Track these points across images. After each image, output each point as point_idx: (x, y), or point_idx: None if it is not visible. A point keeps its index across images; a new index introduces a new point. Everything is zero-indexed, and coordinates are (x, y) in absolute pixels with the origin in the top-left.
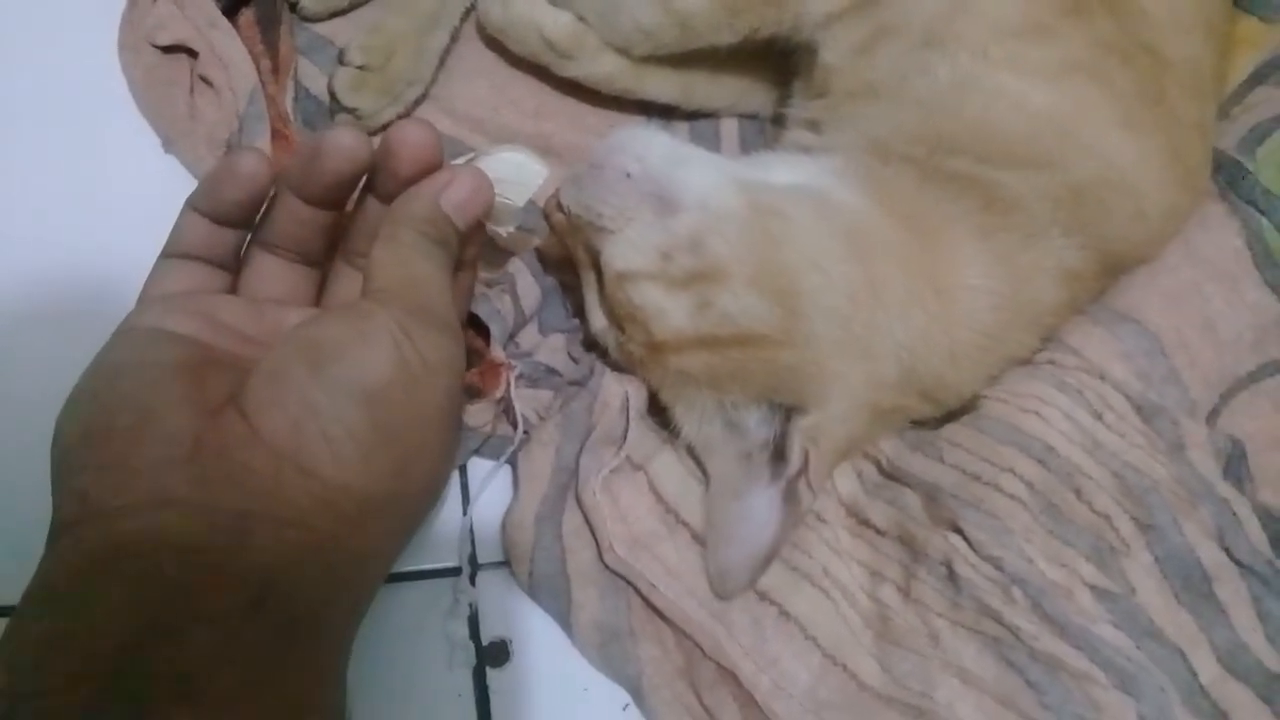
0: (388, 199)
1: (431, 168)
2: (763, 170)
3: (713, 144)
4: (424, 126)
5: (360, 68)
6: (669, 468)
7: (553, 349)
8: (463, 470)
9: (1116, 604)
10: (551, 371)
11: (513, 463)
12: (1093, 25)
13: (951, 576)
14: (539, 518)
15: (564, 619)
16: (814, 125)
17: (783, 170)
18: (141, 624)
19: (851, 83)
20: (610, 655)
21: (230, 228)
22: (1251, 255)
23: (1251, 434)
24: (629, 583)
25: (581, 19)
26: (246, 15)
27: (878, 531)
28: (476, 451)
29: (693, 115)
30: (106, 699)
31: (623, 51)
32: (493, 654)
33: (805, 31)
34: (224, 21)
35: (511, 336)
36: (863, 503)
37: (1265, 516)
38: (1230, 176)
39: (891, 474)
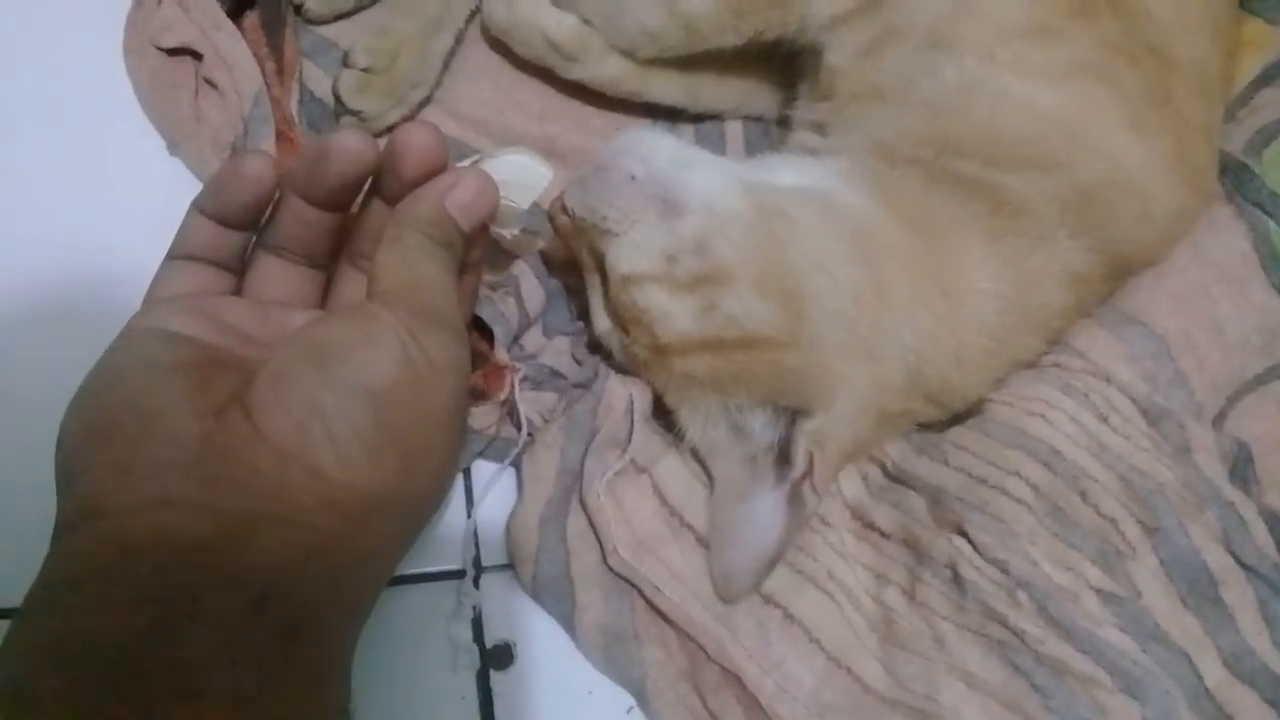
0: (393, 201)
1: (436, 170)
2: (768, 173)
3: (718, 146)
4: (429, 129)
5: (365, 70)
6: (673, 470)
7: (557, 351)
8: (467, 473)
9: (1122, 607)
10: (556, 374)
11: (517, 465)
12: (1099, 27)
13: (957, 580)
14: (543, 520)
15: (568, 622)
16: (819, 127)
17: (788, 173)
18: (143, 624)
19: (857, 85)
20: (614, 658)
21: (235, 230)
22: (1259, 257)
23: (1258, 437)
24: (633, 585)
25: (586, 21)
26: (251, 18)
27: (883, 534)
28: (481, 454)
29: (698, 117)
30: (108, 699)
31: (628, 54)
32: (496, 657)
33: (810, 34)
34: (229, 24)
35: (516, 339)
36: (868, 506)
37: (1272, 520)
38: (1237, 179)
39: (897, 477)
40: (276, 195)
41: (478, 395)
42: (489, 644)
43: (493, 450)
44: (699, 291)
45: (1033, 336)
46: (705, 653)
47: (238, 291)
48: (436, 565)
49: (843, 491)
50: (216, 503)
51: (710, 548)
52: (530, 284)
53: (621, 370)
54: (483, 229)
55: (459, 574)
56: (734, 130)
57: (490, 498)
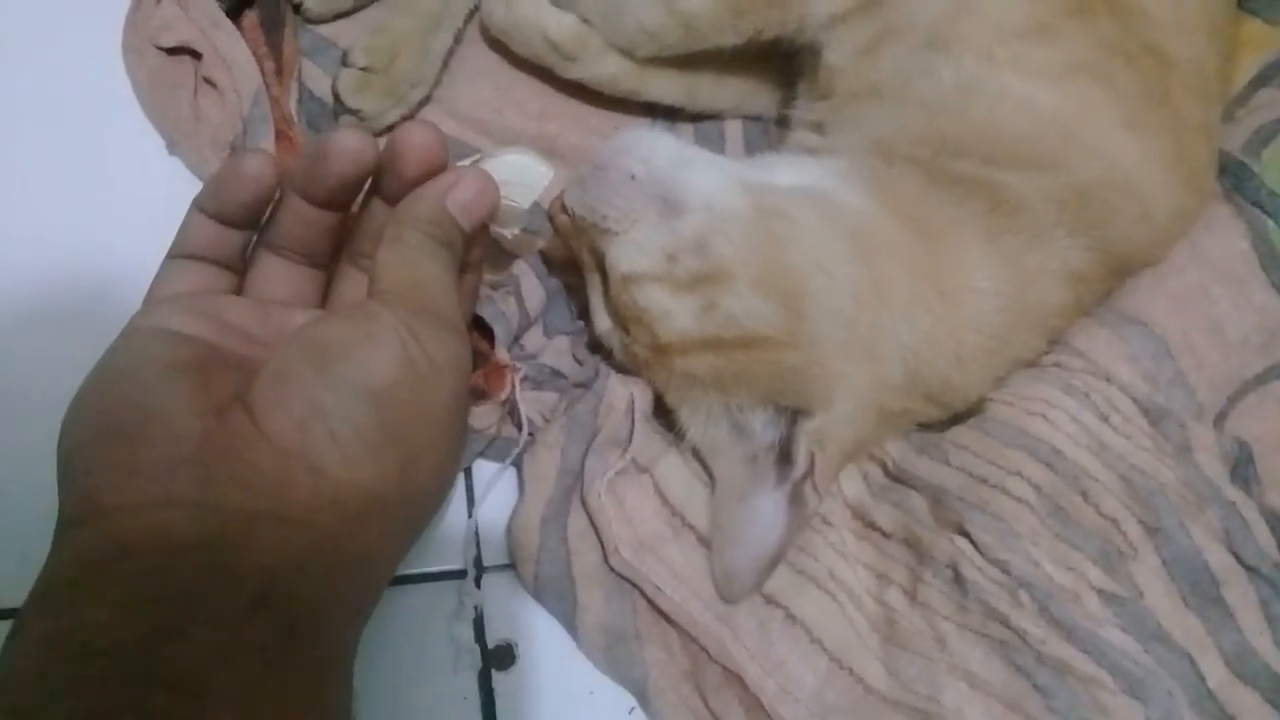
0: (393, 201)
1: (437, 169)
2: (767, 172)
3: (717, 146)
4: (429, 128)
5: (364, 69)
6: (674, 470)
7: (558, 351)
8: (468, 473)
9: (1124, 607)
10: (556, 374)
11: (518, 465)
12: (1096, 26)
13: (958, 579)
14: (544, 520)
15: (569, 622)
16: (818, 127)
17: (787, 172)
18: (144, 624)
19: (856, 84)
20: (616, 658)
21: (236, 229)
22: (1258, 257)
23: (1259, 436)
24: (634, 585)
25: (585, 20)
26: (250, 17)
27: (884, 534)
28: (481, 454)
29: (697, 117)
30: (108, 699)
31: (627, 53)
32: (498, 657)
33: (809, 33)
34: (228, 23)
35: (516, 339)
36: (868, 505)
37: (1273, 519)
38: (1235, 178)
39: (897, 476)
40: (277, 194)
41: (478, 395)
42: (490, 644)
43: (494, 450)
44: (699, 291)
45: (1032, 335)
46: (707, 653)
47: (238, 291)
48: (438, 565)
49: (844, 491)
50: (218, 502)
51: (711, 547)
52: (531, 283)
53: (622, 370)
54: (483, 228)
55: (460, 574)
56: (733, 129)
57: (491, 497)
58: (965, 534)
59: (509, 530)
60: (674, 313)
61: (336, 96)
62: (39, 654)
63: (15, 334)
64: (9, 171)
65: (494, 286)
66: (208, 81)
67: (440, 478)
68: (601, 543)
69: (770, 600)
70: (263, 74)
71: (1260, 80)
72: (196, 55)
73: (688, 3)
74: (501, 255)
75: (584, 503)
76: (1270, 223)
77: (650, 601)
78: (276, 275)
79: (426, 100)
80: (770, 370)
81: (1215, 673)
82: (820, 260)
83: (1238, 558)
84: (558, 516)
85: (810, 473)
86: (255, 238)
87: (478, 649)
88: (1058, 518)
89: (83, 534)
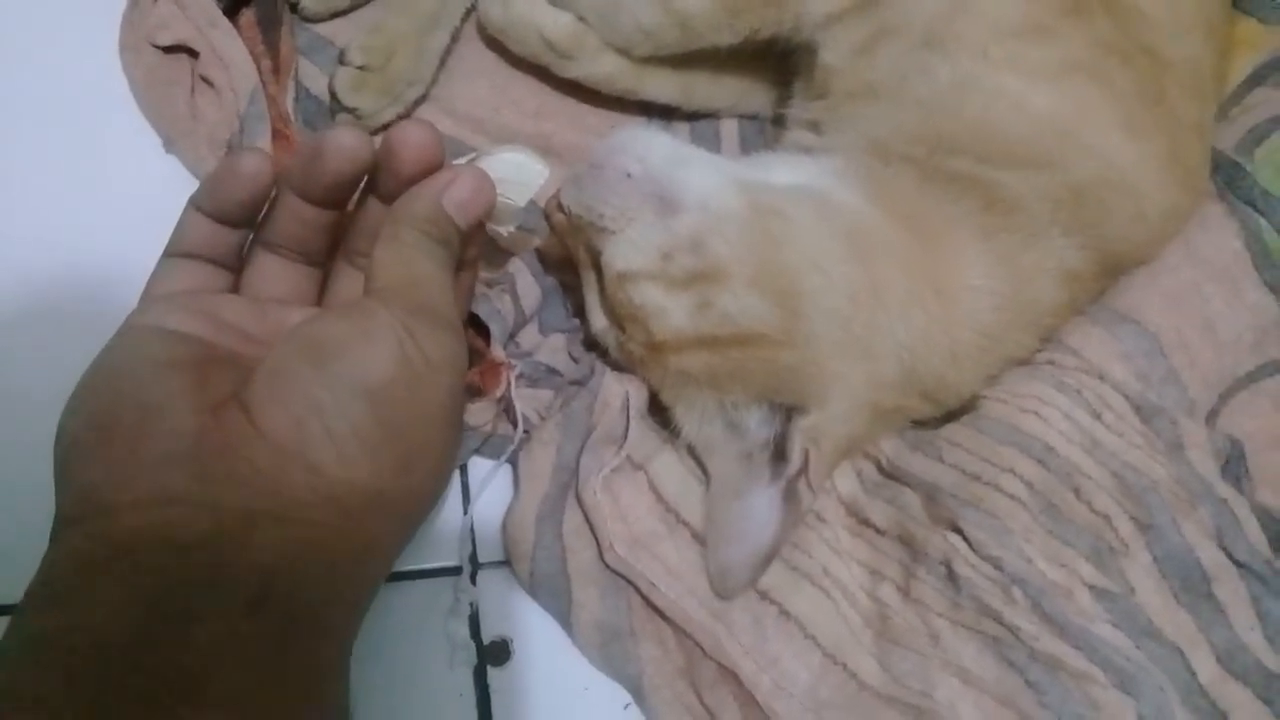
0: (389, 199)
1: (433, 168)
2: (763, 171)
3: (713, 144)
4: (425, 126)
5: (361, 68)
6: (669, 467)
7: (553, 349)
8: (463, 469)
9: (1116, 604)
10: (552, 371)
11: (513, 462)
12: (1092, 26)
13: (951, 576)
14: (539, 517)
15: (565, 618)
16: (814, 126)
17: (783, 171)
18: (142, 621)
19: (852, 83)
20: (611, 655)
21: (232, 227)
22: (1250, 256)
23: (1250, 434)
24: (629, 582)
25: (582, 19)
26: (247, 15)
27: (877, 531)
28: (477, 451)
29: (693, 116)
30: (107, 697)
31: (623, 52)
32: (494, 653)
33: (805, 32)
34: (225, 21)
35: (512, 336)
36: (863, 502)
37: (1264, 516)
38: (1229, 177)
39: (891, 473)
40: (273, 193)
41: (474, 392)
42: (486, 640)
43: (489, 447)
44: (694, 289)
45: (1026, 333)
46: (702, 649)
47: (235, 289)
48: (433, 562)
49: (838, 488)
50: (215, 500)
51: (706, 544)
52: (526, 281)
53: (617, 367)
54: (479, 226)
55: (456, 570)
56: (729, 128)
57: (487, 494)
58: (958, 531)
59: (504, 527)
60: (669, 311)
61: (333, 95)
62: (37, 652)
63: (12, 332)
64: (6, 170)
65: (490, 284)
66: (204, 80)
67: (436, 475)
68: (596, 539)
69: (765, 596)
70: (259, 72)
71: (1255, 80)
72: (193, 54)
73: (684, 2)
74: (497, 253)
75: (579, 500)
76: (1263, 221)
77: (645, 598)
78: (273, 273)
79: (423, 99)
80: (765, 368)
81: (1206, 668)
82: (816, 259)
83: (1229, 554)
84: (553, 513)
85: (804, 470)
86: (252, 236)
87: (473, 645)
88: (1050, 514)
89: (80, 531)
